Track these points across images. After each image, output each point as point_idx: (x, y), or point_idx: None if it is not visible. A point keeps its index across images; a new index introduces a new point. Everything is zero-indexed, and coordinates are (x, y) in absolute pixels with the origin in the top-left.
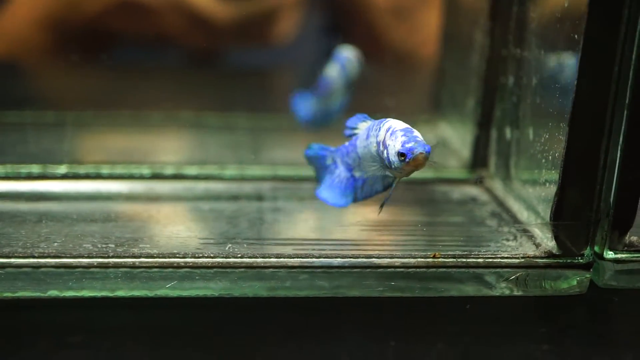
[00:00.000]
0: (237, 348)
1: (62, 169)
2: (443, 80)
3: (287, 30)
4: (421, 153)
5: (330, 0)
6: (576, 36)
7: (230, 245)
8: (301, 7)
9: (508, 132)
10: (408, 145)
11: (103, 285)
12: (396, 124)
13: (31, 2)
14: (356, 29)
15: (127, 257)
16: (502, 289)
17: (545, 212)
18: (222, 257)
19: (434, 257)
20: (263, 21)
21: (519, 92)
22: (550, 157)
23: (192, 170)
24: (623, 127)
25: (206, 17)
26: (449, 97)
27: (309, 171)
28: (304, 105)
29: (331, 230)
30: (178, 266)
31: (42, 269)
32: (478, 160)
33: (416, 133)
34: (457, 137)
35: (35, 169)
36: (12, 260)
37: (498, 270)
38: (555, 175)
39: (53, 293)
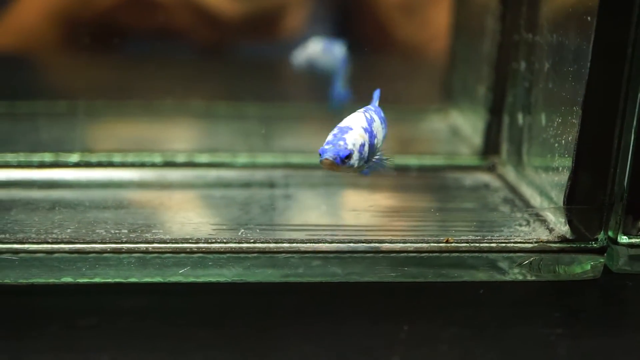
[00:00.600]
0: (250, 332)
1: (75, 157)
2: (454, 68)
3: (295, 25)
4: (326, 159)
5: None
6: (589, 18)
7: (243, 230)
8: (309, 2)
9: (520, 118)
10: (323, 147)
11: (117, 272)
12: (346, 120)
13: None
14: (365, 22)
15: (140, 242)
16: (515, 274)
17: (559, 197)
18: (235, 243)
19: (446, 242)
20: (271, 17)
21: (531, 78)
22: (563, 142)
23: (203, 158)
24: (636, 111)
25: (216, 12)
26: (460, 84)
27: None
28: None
29: (343, 216)
30: (191, 252)
31: (56, 255)
32: (490, 146)
33: (346, 136)
34: (468, 124)
35: (47, 157)
36: (26, 246)
37: (511, 255)
38: (568, 160)
39: (67, 279)
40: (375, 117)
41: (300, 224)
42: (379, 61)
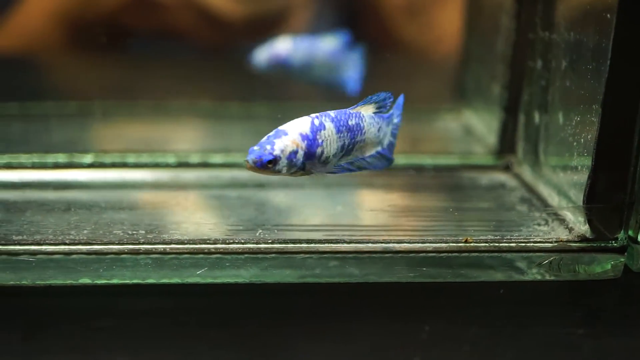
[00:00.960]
0: (268, 333)
1: (88, 158)
2: (467, 67)
3: (299, 27)
4: (246, 161)
5: None
6: (608, 16)
7: (260, 231)
8: (314, 4)
9: (536, 117)
10: (252, 147)
11: (134, 273)
12: (288, 123)
13: None
14: (373, 21)
15: (158, 243)
16: (534, 274)
17: (577, 196)
18: (253, 244)
19: (465, 241)
20: (275, 18)
21: (547, 76)
22: (582, 140)
23: (217, 159)
24: None
25: (220, 14)
26: (474, 84)
27: None
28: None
29: (360, 216)
30: (209, 252)
31: (74, 256)
32: (505, 146)
33: (276, 141)
34: (482, 124)
35: (61, 158)
36: (44, 247)
37: (531, 254)
38: (587, 159)
39: (85, 280)
40: (329, 126)
41: (317, 224)
42: (388, 61)
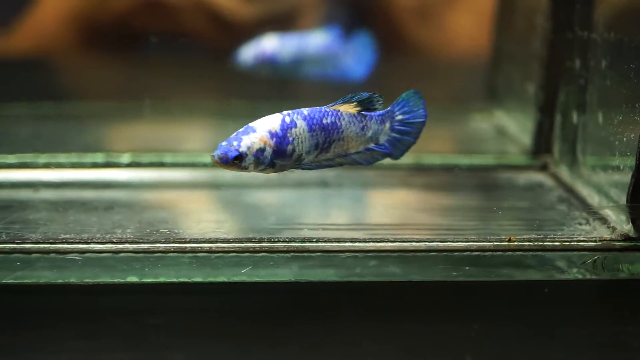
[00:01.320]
0: (315, 330)
1: (126, 158)
2: (498, 68)
3: (315, 24)
4: (212, 156)
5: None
6: None
7: (305, 229)
8: (323, 6)
9: (574, 117)
10: (221, 143)
11: (178, 271)
12: (259, 120)
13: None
14: (394, 23)
15: (204, 242)
16: (576, 273)
17: (619, 196)
18: (298, 242)
19: (509, 240)
20: (283, 20)
21: (586, 76)
22: (624, 140)
23: None
24: None
25: (228, 15)
26: (506, 84)
27: None
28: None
29: (399, 215)
30: (254, 251)
31: (122, 255)
32: (541, 146)
33: (244, 137)
34: (515, 124)
35: (99, 158)
36: (92, 245)
37: (574, 253)
38: (630, 158)
39: (132, 279)
40: (301, 124)
41: (358, 223)
42: (416, 61)
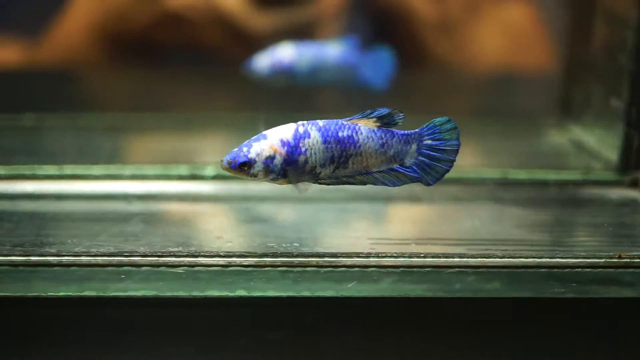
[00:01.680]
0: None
1: (210, 171)
2: (574, 83)
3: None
4: (221, 161)
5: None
6: None
7: (414, 244)
8: (341, 17)
9: None
10: (233, 149)
11: (282, 285)
12: (273, 128)
13: (89, 12)
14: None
15: (312, 256)
16: None
17: None
18: (406, 257)
19: (619, 257)
20: (301, 32)
21: None
22: None
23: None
24: None
25: (243, 27)
26: (584, 99)
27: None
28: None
29: (495, 231)
30: (362, 266)
31: (231, 268)
32: (629, 162)
33: (254, 144)
34: (594, 139)
35: (183, 170)
36: (201, 259)
37: None
38: None
39: (241, 293)
40: (315, 134)
41: (456, 238)
42: (486, 76)
